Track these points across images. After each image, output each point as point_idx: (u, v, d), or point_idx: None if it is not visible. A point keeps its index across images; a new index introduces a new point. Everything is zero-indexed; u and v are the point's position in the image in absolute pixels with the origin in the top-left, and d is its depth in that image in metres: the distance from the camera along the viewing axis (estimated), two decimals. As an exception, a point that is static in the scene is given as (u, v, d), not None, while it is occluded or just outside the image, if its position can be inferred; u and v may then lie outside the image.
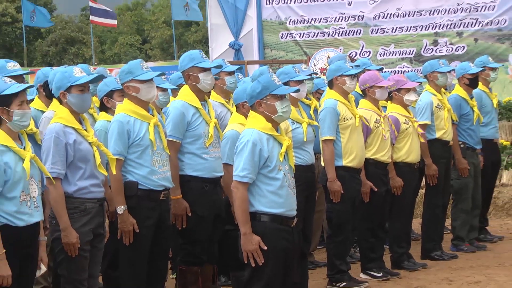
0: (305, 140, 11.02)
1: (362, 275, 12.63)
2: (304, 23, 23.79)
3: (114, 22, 38.39)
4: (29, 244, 8.11)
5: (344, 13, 22.98)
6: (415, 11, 22.88)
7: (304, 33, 23.44)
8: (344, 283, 12.07)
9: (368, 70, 13.63)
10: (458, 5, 22.34)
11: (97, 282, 9.55)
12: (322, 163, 12.10)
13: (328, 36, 21.20)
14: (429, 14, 22.68)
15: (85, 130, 8.90)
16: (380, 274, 12.63)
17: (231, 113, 10.76)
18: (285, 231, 8.66)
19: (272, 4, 24.28)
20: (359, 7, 23.30)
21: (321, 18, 23.33)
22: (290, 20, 23.98)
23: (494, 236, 15.07)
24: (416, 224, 14.07)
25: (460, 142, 14.12)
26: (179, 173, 10.08)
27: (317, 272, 12.44)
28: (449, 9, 22.47)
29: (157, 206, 9.56)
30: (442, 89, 14.12)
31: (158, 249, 9.65)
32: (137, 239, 9.33)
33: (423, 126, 13.57)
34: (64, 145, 8.54)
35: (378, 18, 22.49)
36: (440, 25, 22.37)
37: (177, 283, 10.75)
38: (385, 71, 14.56)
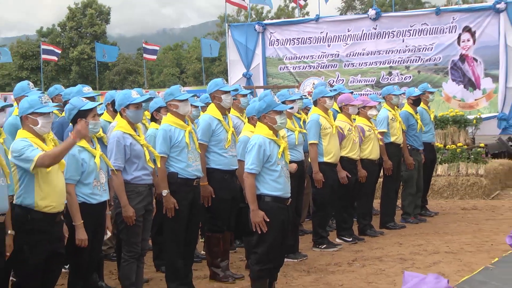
0: (296, 143, 11.11)
1: (337, 240, 12.61)
2: (296, 59, 23.75)
3: (154, 57, 38.55)
4: (99, 216, 8.40)
5: (325, 52, 22.98)
6: (375, 51, 22.83)
7: (296, 66, 23.43)
8: (325, 245, 12.09)
9: (343, 93, 13.68)
10: (406, 47, 22.39)
11: (147, 244, 9.76)
12: (309, 160, 12.09)
13: (313, 68, 21.25)
14: (385, 53, 22.66)
15: (138, 135, 8.95)
16: (350, 239, 12.63)
17: (244, 123, 10.76)
18: (283, 208, 8.79)
19: (273, 45, 24.30)
20: (335, 48, 23.23)
21: (308, 56, 23.30)
22: (286, 57, 23.94)
23: (432, 212, 15.08)
24: (376, 203, 14.00)
25: (408, 145, 14.16)
26: (206, 166, 10.07)
27: (305, 237, 12.42)
28: (400, 49, 22.48)
29: (191, 190, 9.57)
30: (395, 107, 14.14)
31: (192, 221, 9.63)
32: (177, 214, 9.42)
33: (381, 133, 13.59)
34: (123, 146, 8.85)
35: (349, 56, 22.49)
36: (393, 61, 22.36)
37: (205, 245, 10.76)
38: (354, 94, 14.54)
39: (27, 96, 8.72)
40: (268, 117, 8.81)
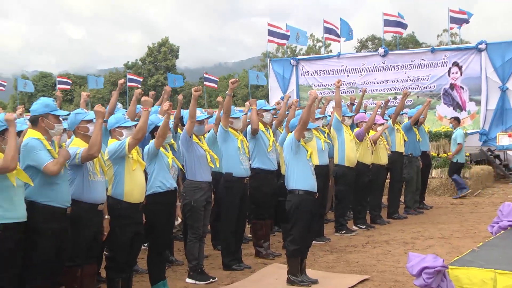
0: (322, 149, 10.76)
1: (354, 227, 12.47)
2: (321, 86, 23.82)
3: (215, 85, 38.40)
4: (172, 205, 8.33)
5: (344, 81, 22.89)
6: (384, 80, 22.86)
7: (321, 92, 23.28)
8: (344, 231, 11.98)
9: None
10: (408, 77, 22.48)
11: (207, 228, 9.60)
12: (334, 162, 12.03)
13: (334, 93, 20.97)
14: (392, 82, 22.71)
15: (202, 143, 8.91)
16: (364, 227, 12.49)
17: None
18: (312, 200, 8.55)
19: (304, 76, 24.49)
20: (353, 78, 23.28)
21: (331, 84, 23.14)
22: (314, 84, 24.04)
23: (428, 206, 14.95)
24: (384, 199, 13.85)
25: (409, 153, 14.06)
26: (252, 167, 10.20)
27: (329, 225, 12.29)
28: (403, 79, 22.54)
29: (241, 186, 9.50)
30: (398, 123, 14.04)
31: (242, 210, 9.59)
32: (231, 205, 9.37)
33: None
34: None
35: (363, 84, 22.31)
36: (398, 88, 22.32)
37: (251, 230, 10.66)
38: (367, 113, 14.41)
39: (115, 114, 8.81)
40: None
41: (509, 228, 4.56)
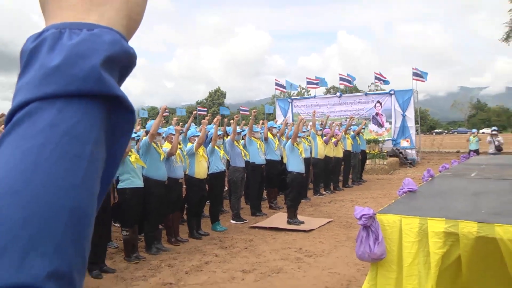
0: (306, 148, 10.59)
1: (323, 192, 12.32)
2: (304, 114, 23.72)
3: (247, 113, 38.46)
4: (222, 179, 8.06)
5: (318, 111, 22.94)
6: (340, 110, 22.92)
7: (305, 117, 23.20)
8: (318, 194, 11.87)
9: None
10: (353, 109, 22.43)
11: (242, 193, 9.46)
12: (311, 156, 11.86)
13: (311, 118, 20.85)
14: (344, 111, 22.66)
15: (238, 144, 8.88)
16: (329, 192, 12.34)
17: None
18: (301, 177, 8.54)
19: (295, 108, 24.39)
20: (323, 109, 23.08)
21: (310, 112, 23.08)
22: (300, 113, 23.92)
23: (364, 180, 14.82)
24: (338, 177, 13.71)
25: (354, 151, 13.96)
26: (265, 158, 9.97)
27: (309, 191, 12.16)
28: (350, 110, 22.53)
29: (260, 170, 9.52)
30: (347, 133, 13.91)
31: (261, 183, 9.54)
32: (255, 181, 9.27)
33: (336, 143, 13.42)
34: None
35: (328, 112, 22.32)
36: (347, 114, 22.29)
37: (266, 193, 10.50)
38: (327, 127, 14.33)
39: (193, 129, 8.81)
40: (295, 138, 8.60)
41: (408, 192, 4.58)
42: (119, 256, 6.52)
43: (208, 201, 8.73)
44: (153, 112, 76.25)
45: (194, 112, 10.73)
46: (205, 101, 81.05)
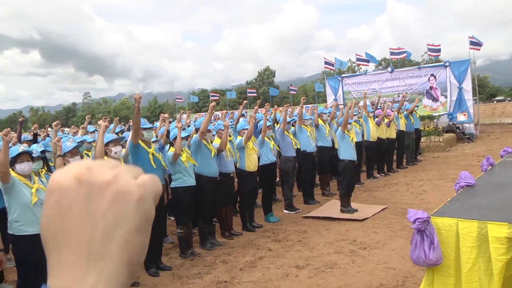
0: (358, 132, 10.45)
1: (377, 175, 12.06)
2: (356, 91, 23.19)
3: (295, 92, 38.18)
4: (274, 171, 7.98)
5: (369, 88, 22.41)
6: (392, 86, 22.28)
7: (357, 95, 22.72)
8: (372, 178, 11.64)
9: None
10: (405, 84, 21.88)
11: (294, 182, 9.29)
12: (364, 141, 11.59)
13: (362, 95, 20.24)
14: (396, 87, 21.97)
15: (289, 134, 8.74)
16: (383, 174, 12.08)
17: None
18: (353, 165, 8.39)
19: (346, 86, 23.81)
20: (374, 85, 22.54)
21: (361, 90, 22.55)
22: (351, 90, 23.45)
23: (419, 159, 14.35)
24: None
25: (408, 130, 13.55)
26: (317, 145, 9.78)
27: (363, 174, 11.91)
28: (402, 85, 21.79)
29: (312, 157, 9.36)
30: (401, 112, 13.46)
31: (313, 168, 9.41)
32: (308, 169, 9.11)
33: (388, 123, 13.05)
34: None
35: (380, 89, 21.81)
36: (399, 90, 21.63)
37: (319, 180, 10.36)
38: (379, 106, 13.91)
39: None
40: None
41: (465, 187, 4.35)
42: (174, 252, 6.66)
43: (260, 190, 8.71)
44: (203, 95, 77.10)
45: (245, 102, 10.58)
46: (254, 80, 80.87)
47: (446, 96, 20.32)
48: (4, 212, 5.01)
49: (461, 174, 4.63)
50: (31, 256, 4.31)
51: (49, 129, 12.52)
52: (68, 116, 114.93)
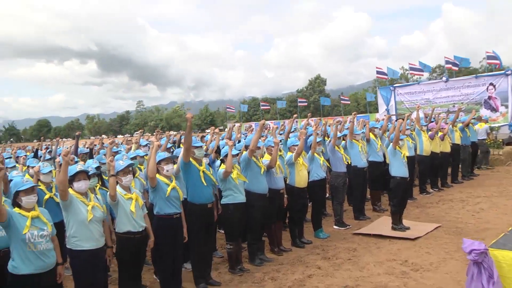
0: (411, 147, 10.22)
1: (430, 190, 11.70)
2: (408, 101, 22.65)
3: (349, 102, 37.61)
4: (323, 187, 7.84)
5: (422, 98, 21.80)
6: (446, 96, 21.53)
7: (410, 105, 22.17)
8: (424, 193, 11.28)
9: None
10: (461, 93, 21.08)
11: (344, 199, 9.14)
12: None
13: (416, 105, 19.58)
14: (451, 97, 21.22)
15: (339, 149, 8.61)
16: (436, 189, 11.70)
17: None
18: (405, 182, 8.17)
19: (398, 95, 23.27)
20: (427, 95, 21.94)
21: (414, 99, 22.05)
22: (404, 100, 22.91)
23: (475, 174, 13.78)
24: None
25: (463, 144, 13.04)
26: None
27: (415, 188, 11.60)
28: (458, 95, 21.05)
29: (363, 173, 9.18)
30: (455, 125, 13.00)
31: (364, 184, 9.21)
32: (359, 184, 8.92)
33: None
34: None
35: (435, 99, 21.18)
36: (454, 100, 20.89)
37: (370, 195, 10.19)
38: (432, 119, 13.48)
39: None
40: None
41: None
42: (224, 267, 6.70)
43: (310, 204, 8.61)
44: (254, 103, 77.56)
45: (295, 116, 10.53)
46: (305, 89, 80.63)
47: (506, 106, 19.46)
48: (62, 225, 5.24)
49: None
50: (86, 269, 4.46)
51: (103, 135, 12.98)
52: (122, 124, 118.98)
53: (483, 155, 15.08)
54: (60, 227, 5.04)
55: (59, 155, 7.88)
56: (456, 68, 22.83)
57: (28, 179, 4.57)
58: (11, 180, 4.91)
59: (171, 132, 10.52)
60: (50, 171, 5.86)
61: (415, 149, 11.04)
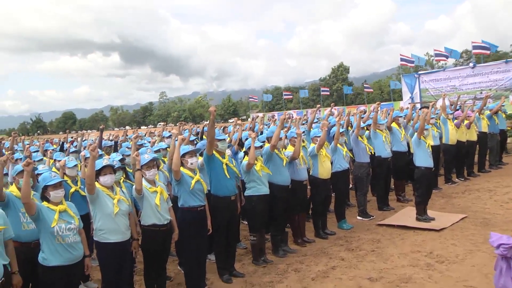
0: (435, 136, 10.06)
1: (455, 179, 11.53)
2: (434, 89, 22.28)
3: (371, 90, 37.19)
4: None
5: (448, 85, 21.43)
6: (473, 82, 21.12)
7: (435, 92, 21.82)
8: (450, 182, 11.12)
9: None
10: (489, 79, 20.51)
11: (368, 189, 9.07)
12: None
13: (441, 93, 19.22)
14: (478, 83, 20.82)
15: (362, 139, 8.54)
16: (463, 179, 11.50)
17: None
18: (429, 172, 8.05)
19: (423, 83, 22.90)
20: (453, 82, 21.59)
21: (440, 87, 21.72)
22: (429, 88, 22.52)
23: (504, 163, 13.48)
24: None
25: (491, 131, 12.77)
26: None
27: (440, 178, 11.42)
28: (485, 81, 20.59)
29: (386, 163, 9.09)
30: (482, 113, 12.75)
31: (389, 174, 9.14)
32: (381, 174, 8.82)
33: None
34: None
35: (461, 85, 20.79)
36: (482, 86, 20.51)
37: (394, 186, 10.07)
38: (458, 106, 13.23)
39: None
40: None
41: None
42: (247, 258, 6.76)
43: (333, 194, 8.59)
44: (276, 93, 77.36)
45: (318, 106, 10.45)
46: (328, 77, 79.95)
47: (536, 92, 19.07)
48: (87, 217, 5.37)
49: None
50: (113, 261, 4.56)
51: (127, 127, 13.17)
52: (145, 115, 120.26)
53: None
54: (85, 220, 5.18)
55: (84, 148, 8.06)
56: (488, 52, 22.31)
57: (55, 174, 4.70)
58: (38, 174, 5.05)
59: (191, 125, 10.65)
60: (75, 165, 5.98)
61: (440, 138, 10.89)
